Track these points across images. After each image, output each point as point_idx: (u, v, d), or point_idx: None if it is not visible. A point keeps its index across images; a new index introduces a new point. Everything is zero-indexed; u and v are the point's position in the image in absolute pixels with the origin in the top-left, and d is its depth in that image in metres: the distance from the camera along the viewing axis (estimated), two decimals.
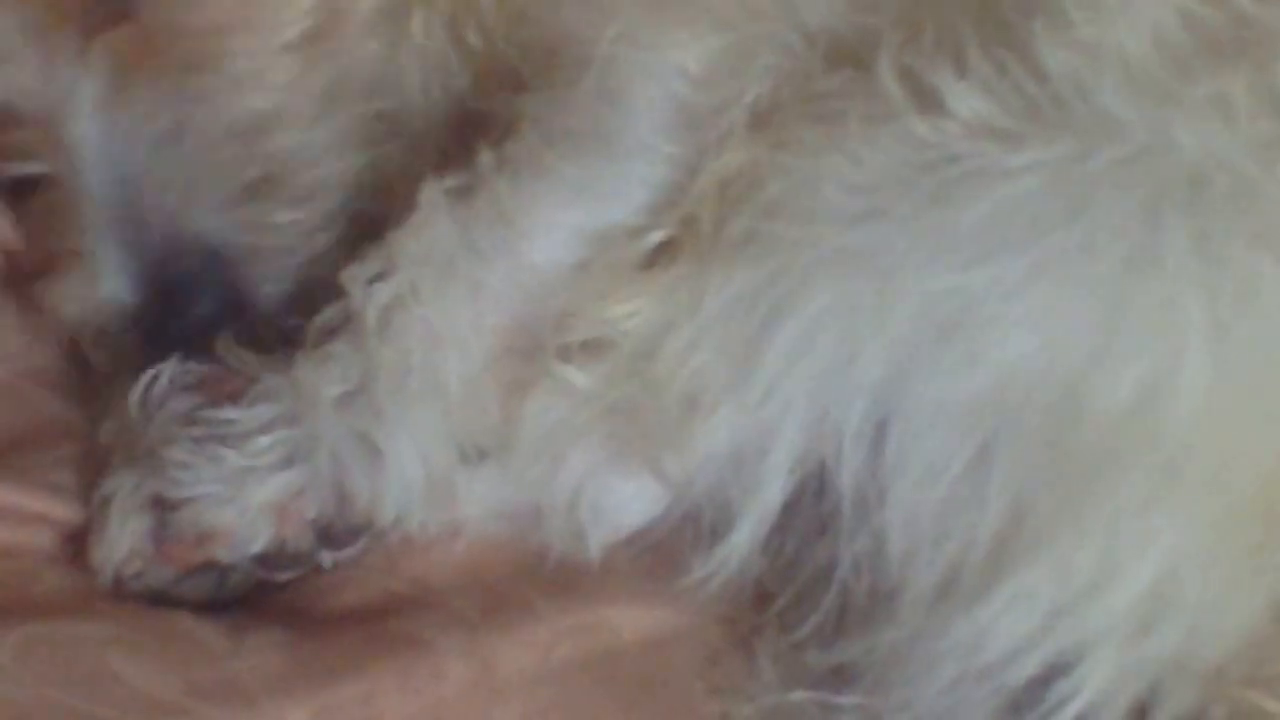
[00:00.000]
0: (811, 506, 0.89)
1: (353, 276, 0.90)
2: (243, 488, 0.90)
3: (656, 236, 0.89)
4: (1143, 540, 0.83)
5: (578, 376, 0.88)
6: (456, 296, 0.89)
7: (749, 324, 0.86)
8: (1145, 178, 0.82)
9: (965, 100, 0.85)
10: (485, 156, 0.90)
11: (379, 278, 0.89)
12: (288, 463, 0.90)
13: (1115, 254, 0.82)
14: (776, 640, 0.90)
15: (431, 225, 0.89)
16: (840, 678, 0.89)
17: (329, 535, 0.91)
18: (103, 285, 0.92)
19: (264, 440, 0.90)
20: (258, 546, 0.90)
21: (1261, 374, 0.83)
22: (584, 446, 0.89)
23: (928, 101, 0.85)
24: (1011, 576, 0.84)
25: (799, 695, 0.89)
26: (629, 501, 0.91)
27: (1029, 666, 0.85)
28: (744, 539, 0.88)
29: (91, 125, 0.91)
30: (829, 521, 0.88)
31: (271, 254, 0.93)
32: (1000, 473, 0.84)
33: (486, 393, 0.90)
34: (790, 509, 0.89)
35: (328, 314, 0.91)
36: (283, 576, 0.92)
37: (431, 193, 0.90)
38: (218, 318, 0.92)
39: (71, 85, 0.91)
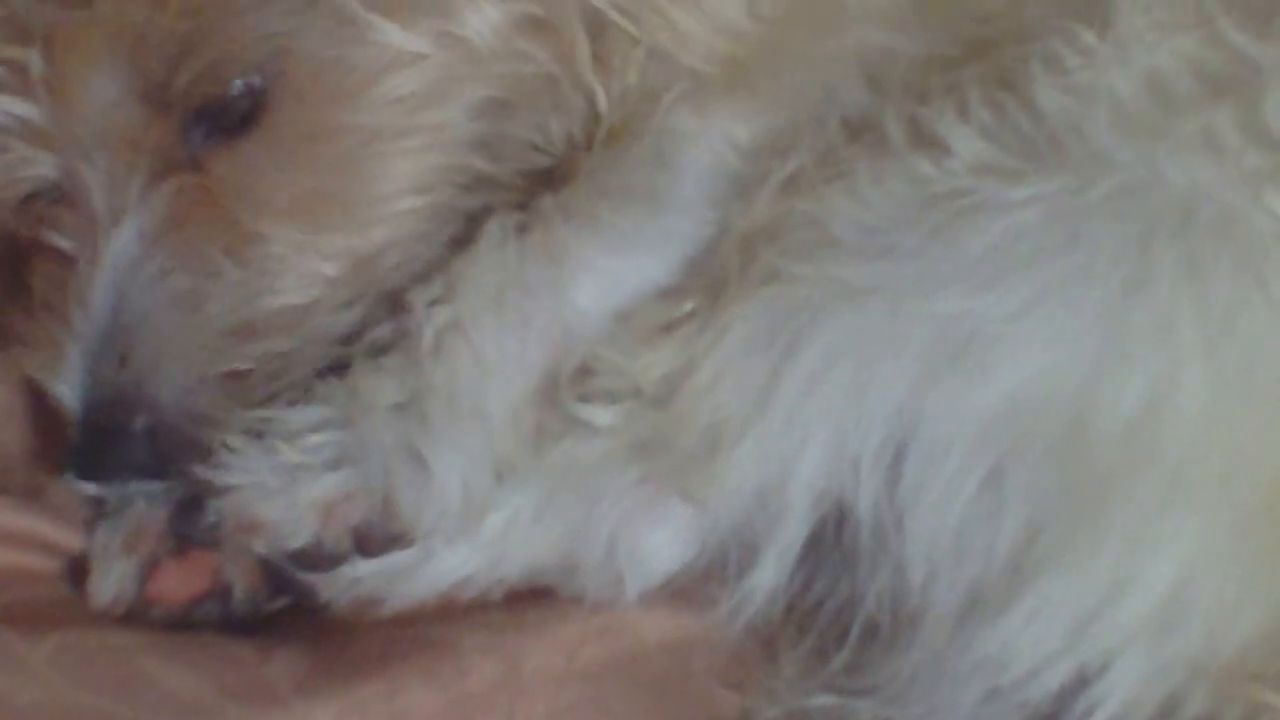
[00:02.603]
0: (833, 540, 0.91)
1: (416, 297, 0.93)
2: (294, 482, 0.92)
3: (687, 305, 0.92)
4: (1157, 547, 0.85)
5: (599, 415, 0.91)
6: (504, 328, 0.92)
7: (766, 359, 0.89)
8: (1138, 208, 0.86)
9: (967, 142, 0.89)
10: (546, 201, 0.94)
11: (438, 301, 0.93)
12: (337, 464, 0.92)
13: (1113, 278, 0.86)
14: (799, 644, 0.92)
15: (489, 258, 0.93)
16: (864, 686, 0.91)
17: (365, 542, 0.93)
18: (58, 382, 0.94)
19: (316, 439, 0.92)
20: (298, 542, 0.93)
21: (1254, 386, 0.85)
22: (614, 494, 0.92)
23: (931, 144, 0.89)
24: (1031, 590, 0.86)
25: (822, 699, 0.91)
26: (663, 547, 0.93)
27: (1055, 678, 0.86)
28: (769, 574, 0.91)
29: (122, 253, 0.92)
30: (850, 554, 0.90)
31: (219, 430, 0.94)
32: (1014, 491, 0.86)
33: (524, 427, 0.92)
34: (813, 543, 0.91)
35: (384, 329, 0.94)
36: (309, 577, 0.93)
37: (493, 227, 0.93)
38: (134, 473, 0.94)
39: (125, 210, 0.92)
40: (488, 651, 0.91)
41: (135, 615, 0.94)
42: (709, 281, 0.91)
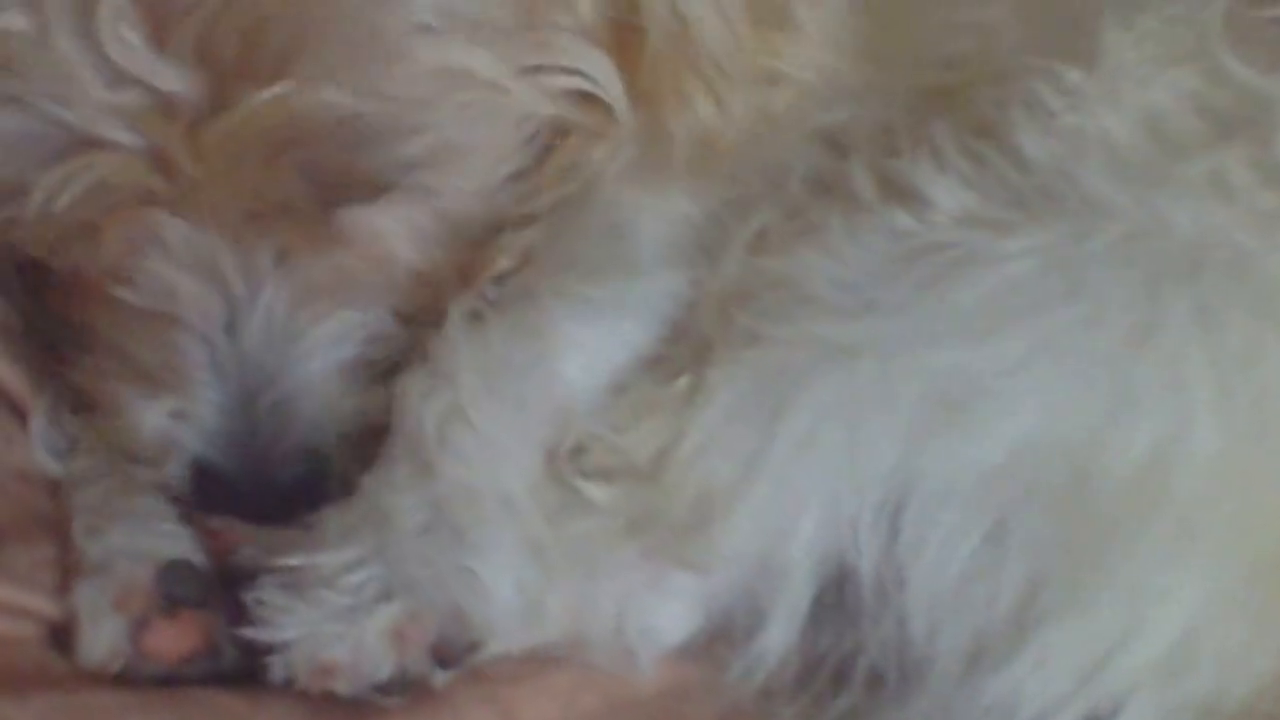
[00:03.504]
0: (835, 596, 0.90)
1: (405, 392, 0.92)
2: (353, 622, 0.90)
3: (673, 373, 0.91)
4: (1165, 595, 0.85)
5: (596, 493, 0.90)
6: (503, 407, 0.92)
7: (754, 425, 0.88)
8: (1144, 255, 0.85)
9: (948, 192, 0.88)
10: (514, 280, 0.94)
11: (431, 392, 0.92)
12: (386, 595, 0.91)
13: (1118, 327, 0.85)
14: (800, 695, 0.91)
15: (469, 342, 0.92)
16: None
17: (445, 656, 0.92)
18: (193, 442, 0.93)
19: (354, 579, 0.91)
20: (382, 675, 0.91)
21: (1267, 432, 0.85)
22: (617, 571, 0.91)
23: (908, 196, 0.88)
24: (1037, 639, 0.86)
25: None
26: (672, 620, 0.92)
27: None
28: (779, 636, 0.90)
29: (270, 321, 0.91)
30: (852, 608, 0.90)
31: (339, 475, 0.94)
32: (1016, 543, 0.86)
33: (546, 502, 0.92)
34: (816, 600, 0.91)
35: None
36: (395, 701, 0.92)
37: (455, 315, 0.93)
38: (287, 509, 0.93)
39: (263, 278, 0.91)
40: (484, 701, 0.91)
41: (127, 673, 0.93)
42: (694, 346, 0.90)
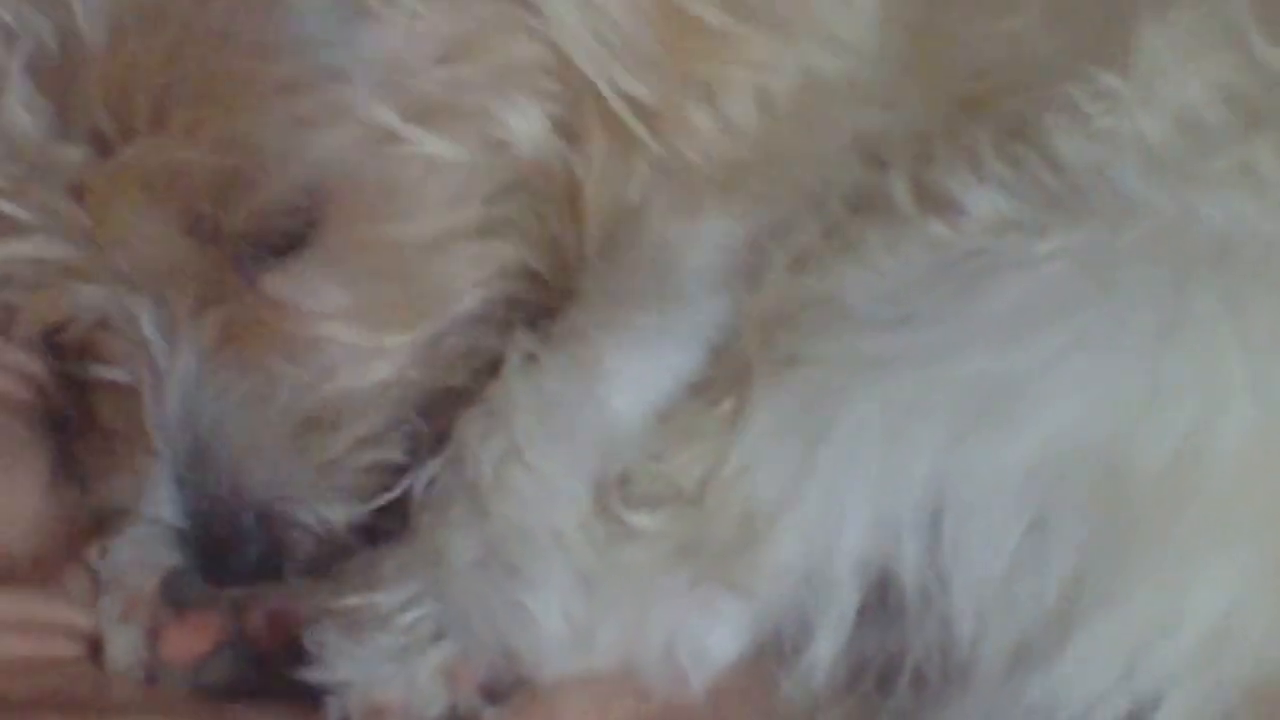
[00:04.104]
0: (877, 604, 0.90)
1: (463, 433, 0.93)
2: (406, 661, 0.92)
3: (718, 399, 0.91)
4: (1203, 583, 0.86)
5: (644, 521, 0.91)
6: (556, 444, 0.92)
7: (796, 444, 0.88)
8: (1172, 250, 0.86)
9: (982, 200, 0.88)
10: (566, 316, 0.95)
11: (489, 433, 0.92)
12: (439, 635, 0.92)
13: (1148, 322, 0.85)
14: (845, 698, 0.92)
15: (523, 381, 0.93)
16: None
17: (494, 693, 0.93)
18: (154, 504, 0.94)
19: (408, 618, 0.92)
20: (433, 713, 0.92)
21: None
22: (666, 598, 0.91)
23: (944, 206, 0.89)
24: (1080, 634, 0.86)
25: None
26: (722, 643, 0.92)
27: (1107, 716, 0.87)
28: (826, 647, 0.90)
29: (186, 374, 0.92)
30: (896, 613, 0.90)
31: (320, 514, 0.95)
32: (1057, 539, 0.86)
33: (596, 536, 0.92)
34: (860, 610, 0.91)
35: (435, 467, 0.94)
36: None
37: (514, 355, 0.93)
38: (259, 571, 0.94)
39: (180, 334, 0.92)
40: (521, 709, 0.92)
41: (155, 680, 0.96)
42: (736, 368, 0.91)
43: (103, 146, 0.86)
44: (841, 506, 0.88)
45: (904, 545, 0.88)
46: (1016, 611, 0.87)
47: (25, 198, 0.88)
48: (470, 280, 0.95)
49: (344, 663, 0.92)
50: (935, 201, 0.89)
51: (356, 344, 0.93)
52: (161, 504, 0.93)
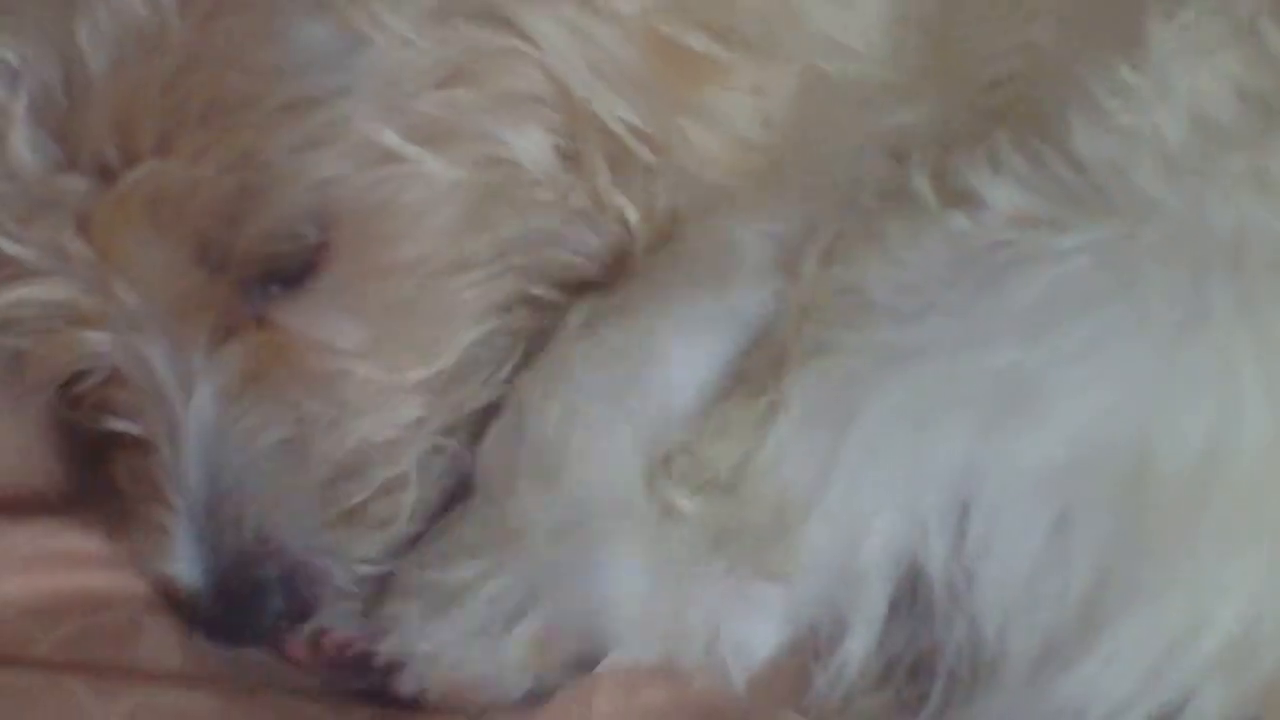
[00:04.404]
0: (909, 603, 0.91)
1: (523, 395, 0.93)
2: (489, 636, 0.92)
3: (756, 388, 0.92)
4: (1227, 583, 0.86)
5: (686, 504, 0.91)
6: (616, 414, 0.93)
7: (825, 432, 0.89)
8: (1189, 250, 0.86)
9: (1003, 194, 0.89)
10: (614, 297, 0.96)
11: (548, 394, 0.93)
12: (521, 608, 0.92)
13: (1168, 320, 0.86)
14: (877, 693, 0.93)
15: (577, 350, 0.94)
16: None
17: (582, 666, 0.94)
18: (173, 565, 0.92)
19: (486, 592, 0.92)
20: (522, 688, 0.93)
21: None
22: (706, 585, 0.91)
23: (964, 199, 0.89)
24: (1106, 635, 0.87)
25: None
26: (763, 635, 0.92)
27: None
28: (860, 643, 0.91)
29: (204, 421, 0.91)
30: (924, 609, 0.90)
31: (345, 568, 0.94)
32: (1081, 537, 0.87)
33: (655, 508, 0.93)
34: (892, 609, 0.92)
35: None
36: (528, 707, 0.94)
37: (573, 319, 0.94)
38: (280, 623, 0.93)
39: (195, 378, 0.90)
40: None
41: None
42: (774, 360, 0.91)
43: (108, 176, 0.86)
44: (869, 497, 0.89)
45: (931, 539, 0.88)
46: (1042, 610, 0.88)
47: (30, 237, 0.88)
48: (481, 306, 0.94)
49: (420, 636, 0.92)
50: (956, 194, 0.89)
51: (377, 380, 0.93)
52: (179, 564, 0.92)
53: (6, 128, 0.86)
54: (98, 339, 0.91)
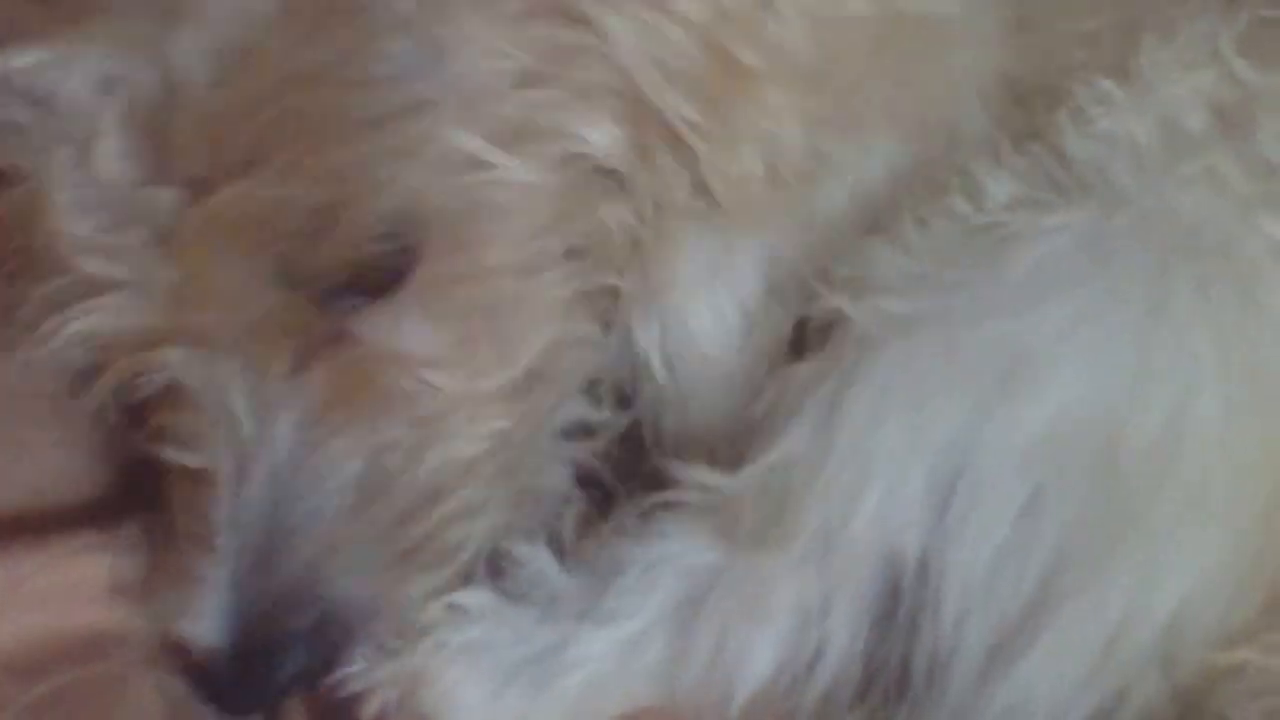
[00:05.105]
0: (888, 610, 0.93)
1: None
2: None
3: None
4: (1172, 570, 0.90)
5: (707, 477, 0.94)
6: None
7: (823, 399, 0.92)
8: (1154, 236, 0.93)
9: (1000, 183, 0.96)
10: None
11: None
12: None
13: (1139, 300, 0.91)
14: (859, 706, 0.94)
15: None
16: None
17: None
18: (195, 621, 0.88)
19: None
20: None
21: (1259, 401, 0.91)
22: (715, 592, 0.93)
23: (967, 186, 0.96)
24: (1051, 625, 0.90)
25: None
26: (767, 648, 0.93)
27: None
28: (842, 644, 0.92)
29: (278, 454, 0.88)
30: (901, 621, 0.92)
31: (387, 614, 0.91)
32: (1049, 518, 0.90)
33: None
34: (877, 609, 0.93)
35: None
36: None
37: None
38: (298, 681, 0.90)
39: (273, 407, 0.88)
40: None
41: None
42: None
43: (196, 191, 0.84)
44: (860, 471, 0.91)
45: (914, 517, 0.90)
46: (998, 599, 0.90)
47: (112, 248, 0.86)
48: (560, 301, 0.95)
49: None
50: (961, 182, 0.96)
51: (459, 390, 0.91)
52: (202, 621, 0.88)
53: (97, 136, 0.85)
54: (171, 359, 0.88)
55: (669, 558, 0.93)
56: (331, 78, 0.86)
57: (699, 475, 0.94)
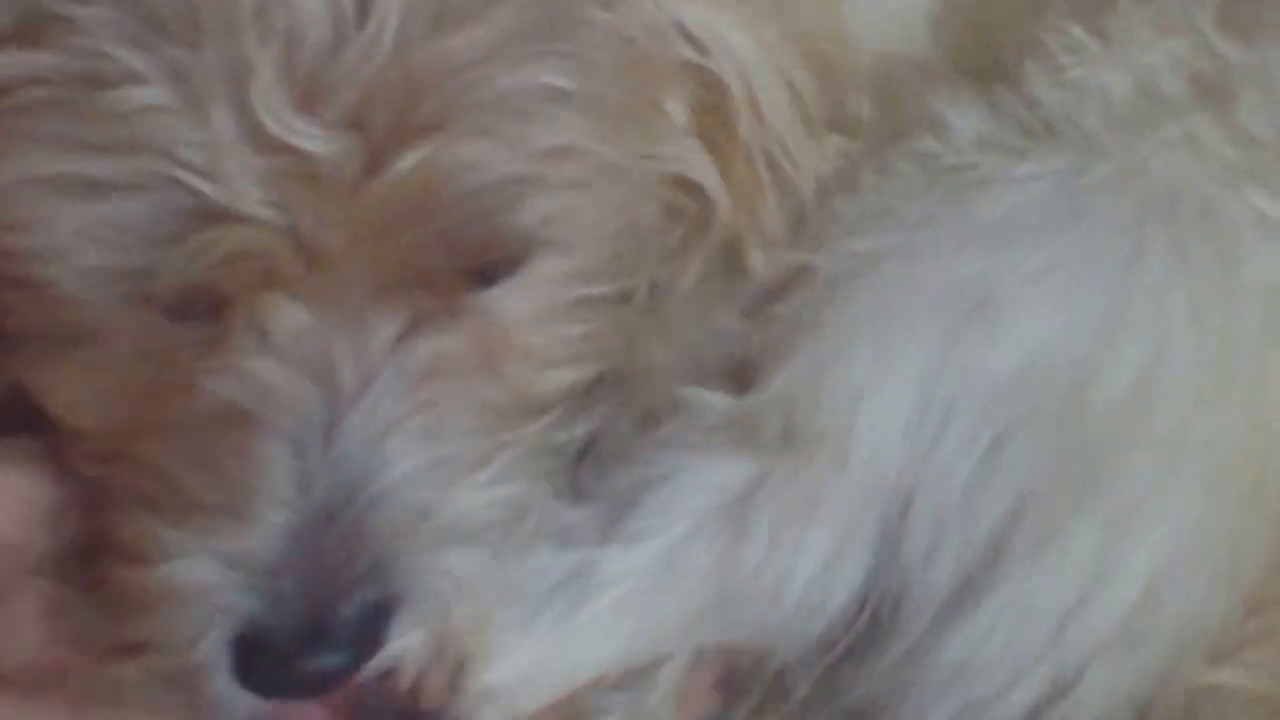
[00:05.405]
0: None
1: None
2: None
3: None
4: (1137, 538, 0.88)
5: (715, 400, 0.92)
6: None
7: (805, 335, 0.91)
8: (1131, 192, 0.91)
9: (964, 119, 0.94)
10: None
11: None
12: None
13: (1115, 254, 0.90)
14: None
15: None
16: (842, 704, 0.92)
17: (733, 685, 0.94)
18: (247, 593, 0.82)
19: None
20: None
21: (1231, 368, 0.90)
22: (763, 496, 0.90)
23: (931, 123, 0.94)
24: (1011, 576, 0.88)
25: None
26: (817, 545, 0.91)
27: (1029, 690, 0.88)
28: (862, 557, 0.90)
29: (374, 418, 0.84)
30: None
31: (446, 593, 0.86)
32: (1013, 465, 0.88)
33: None
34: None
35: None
36: None
37: None
38: (343, 669, 0.84)
39: (377, 369, 0.85)
40: None
41: None
42: None
43: (371, 150, 0.81)
44: (850, 401, 0.90)
45: (895, 446, 0.89)
46: (953, 542, 0.89)
47: (257, 176, 0.80)
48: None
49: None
50: (928, 120, 0.94)
51: (551, 385, 0.91)
52: (257, 597, 0.82)
53: (256, 70, 0.79)
54: (284, 308, 0.83)
55: (695, 473, 0.91)
56: (534, 54, 0.84)
57: (706, 398, 0.92)
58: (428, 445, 0.85)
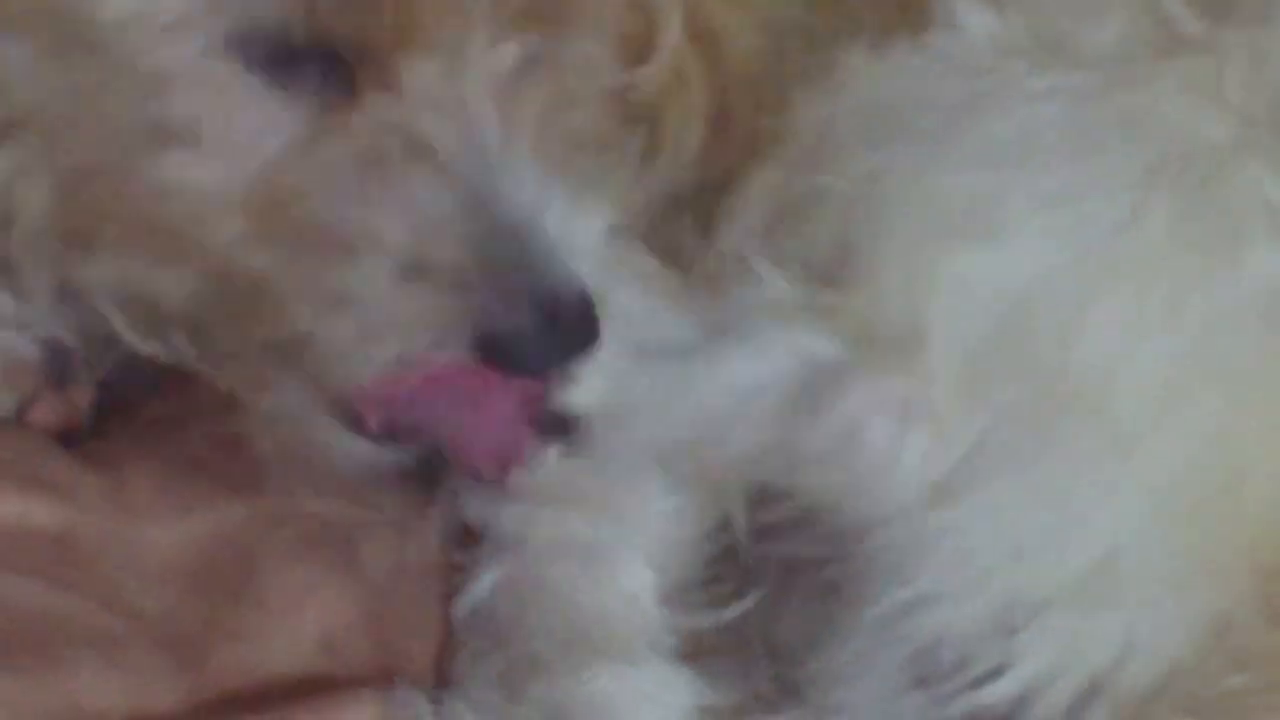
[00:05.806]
0: None
1: None
2: None
3: None
4: (1092, 505, 0.84)
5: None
6: None
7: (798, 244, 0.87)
8: (1147, 141, 0.86)
9: (978, 18, 0.88)
10: None
11: None
12: None
13: (1120, 204, 0.84)
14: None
15: None
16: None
17: None
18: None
19: None
20: None
21: (1210, 366, 0.85)
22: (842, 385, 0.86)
23: (947, 19, 0.88)
24: (974, 494, 0.84)
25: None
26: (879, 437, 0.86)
27: (979, 659, 0.86)
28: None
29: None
30: None
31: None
32: (990, 383, 0.84)
33: None
34: None
35: None
36: None
37: None
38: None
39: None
40: None
41: None
42: None
43: None
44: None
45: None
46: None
47: None
48: None
49: None
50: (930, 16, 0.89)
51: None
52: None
53: None
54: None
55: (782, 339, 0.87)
56: None
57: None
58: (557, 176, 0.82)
